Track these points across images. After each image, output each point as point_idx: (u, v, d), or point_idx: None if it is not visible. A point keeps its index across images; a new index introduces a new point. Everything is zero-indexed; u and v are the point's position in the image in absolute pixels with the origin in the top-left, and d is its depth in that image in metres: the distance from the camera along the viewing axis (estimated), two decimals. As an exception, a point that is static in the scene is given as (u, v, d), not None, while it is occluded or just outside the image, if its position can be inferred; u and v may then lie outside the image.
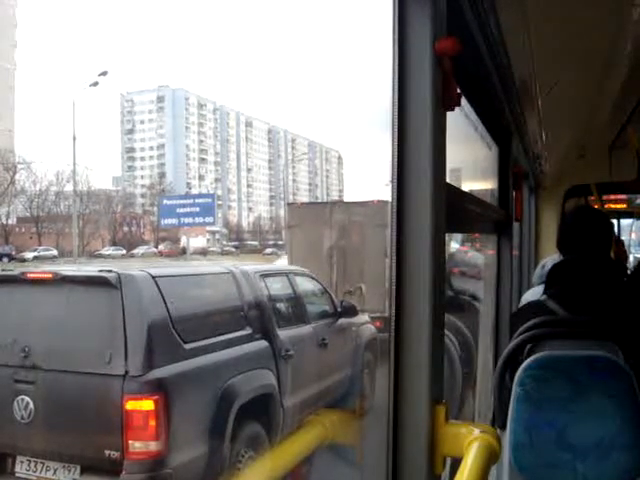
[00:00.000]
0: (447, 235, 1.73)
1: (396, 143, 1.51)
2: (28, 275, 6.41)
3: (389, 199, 1.56)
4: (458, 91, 1.65)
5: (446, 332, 3.90)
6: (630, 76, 3.25)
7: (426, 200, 1.52)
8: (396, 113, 1.51)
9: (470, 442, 1.52)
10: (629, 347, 2.56)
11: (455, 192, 2.07)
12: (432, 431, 1.53)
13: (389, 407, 1.52)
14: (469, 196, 2.68)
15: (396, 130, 1.51)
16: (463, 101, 2.68)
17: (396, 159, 1.51)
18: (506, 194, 3.83)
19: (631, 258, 8.24)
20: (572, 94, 3.44)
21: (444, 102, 1.59)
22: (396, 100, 1.50)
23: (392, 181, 1.52)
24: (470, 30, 2.04)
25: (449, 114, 1.74)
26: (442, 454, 1.56)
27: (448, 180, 2.37)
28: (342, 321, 8.34)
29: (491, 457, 1.53)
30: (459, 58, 1.81)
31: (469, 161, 3.74)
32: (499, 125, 3.50)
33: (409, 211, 1.52)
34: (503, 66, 2.61)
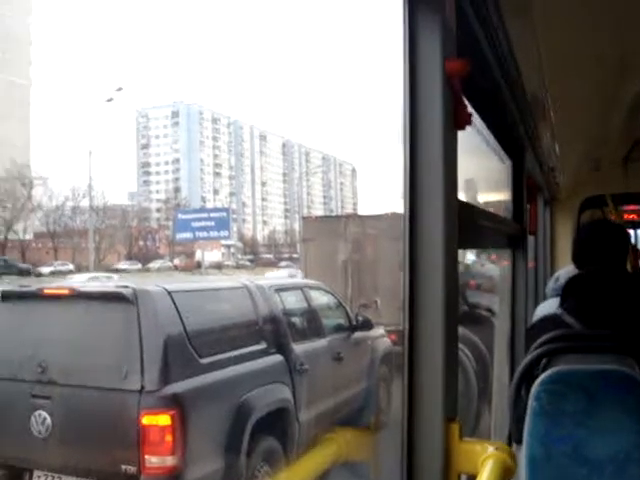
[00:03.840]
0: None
1: (408, 162, 1.52)
2: (45, 291, 6.47)
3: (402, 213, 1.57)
4: (469, 110, 1.66)
5: (461, 346, 3.91)
6: None
7: (438, 217, 1.53)
8: (407, 132, 1.52)
9: (484, 459, 1.52)
10: (646, 360, 2.54)
11: (467, 209, 2.07)
12: (446, 448, 1.53)
13: (403, 424, 1.52)
14: (482, 212, 2.68)
15: (408, 149, 1.53)
16: (475, 116, 2.70)
17: (408, 177, 1.53)
18: (520, 207, 3.83)
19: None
20: (585, 107, 3.44)
21: (455, 122, 1.61)
22: (407, 119, 1.52)
23: (404, 199, 1.53)
24: (480, 46, 2.05)
25: (463, 131, 1.75)
26: (457, 471, 1.56)
27: (462, 194, 2.39)
28: (357, 334, 8.33)
29: (505, 474, 1.53)
30: (470, 74, 1.83)
31: (482, 175, 3.74)
32: (512, 139, 3.50)
33: (421, 228, 1.53)
34: (514, 80, 2.61)
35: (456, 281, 1.66)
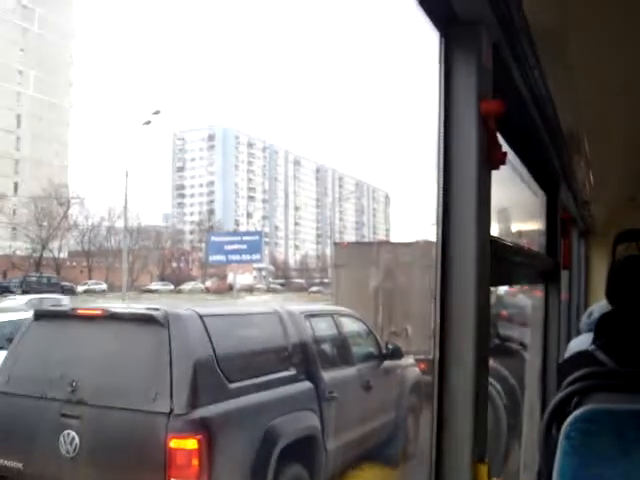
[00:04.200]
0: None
1: (441, 199, 1.53)
2: (79, 311, 6.54)
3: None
4: (503, 150, 1.66)
5: (492, 381, 3.87)
6: None
7: (470, 255, 1.53)
8: (441, 169, 1.53)
9: None
10: (680, 401, 2.49)
11: (501, 246, 2.07)
12: None
13: (431, 464, 1.51)
14: (515, 248, 2.67)
15: (441, 186, 1.53)
16: (509, 151, 2.70)
17: (441, 214, 1.53)
18: (554, 241, 3.80)
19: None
20: (620, 140, 3.42)
21: (489, 161, 1.61)
22: (441, 157, 1.53)
23: (437, 235, 1.53)
24: (516, 85, 2.06)
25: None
26: None
27: (495, 227, 2.38)
28: (387, 363, 8.27)
29: None
30: (506, 114, 1.83)
31: (517, 210, 3.73)
32: (546, 173, 3.49)
33: (453, 265, 1.53)
34: (549, 117, 2.61)
35: (488, 319, 1.65)
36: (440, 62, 1.54)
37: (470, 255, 1.53)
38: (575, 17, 1.81)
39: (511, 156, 2.88)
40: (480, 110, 1.53)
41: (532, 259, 3.18)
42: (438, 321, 1.53)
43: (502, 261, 2.04)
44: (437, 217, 1.54)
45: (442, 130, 1.53)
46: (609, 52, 2.22)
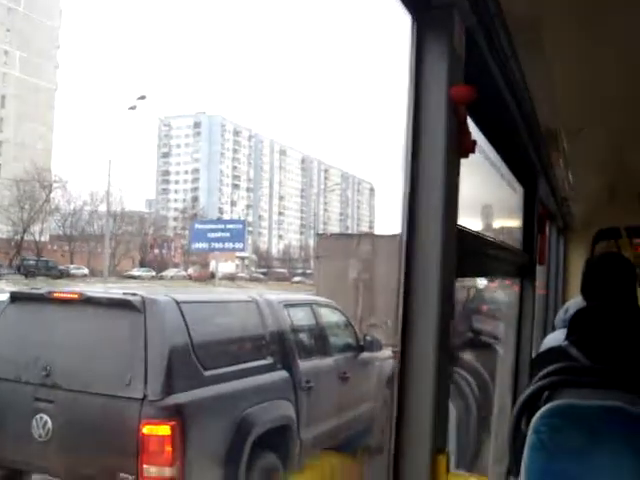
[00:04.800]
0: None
1: (408, 186, 1.51)
2: (55, 294, 6.47)
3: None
4: (474, 138, 1.64)
5: (464, 374, 3.87)
6: None
7: (436, 243, 1.51)
8: (409, 156, 1.51)
9: None
10: (650, 398, 2.50)
11: (470, 237, 2.05)
12: None
13: (389, 453, 1.50)
14: (486, 240, 2.65)
15: (409, 173, 1.51)
16: (487, 144, 2.68)
17: (407, 202, 1.51)
18: (531, 237, 3.79)
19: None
20: (599, 138, 3.41)
21: (458, 149, 1.59)
22: (409, 144, 1.51)
23: (402, 222, 1.51)
24: (492, 76, 2.04)
25: (472, 157, 1.73)
26: None
27: (469, 221, 2.36)
28: (365, 355, 8.27)
29: None
30: (481, 103, 1.81)
31: (492, 203, 3.72)
32: (525, 168, 3.48)
33: (418, 254, 1.51)
34: (527, 110, 2.59)
35: (452, 308, 1.64)
36: (412, 47, 1.51)
37: (435, 244, 1.51)
38: (551, 8, 1.79)
39: (489, 150, 2.87)
40: (450, 96, 1.50)
41: (506, 252, 3.17)
42: (401, 312, 1.51)
43: (470, 252, 2.03)
44: (403, 205, 1.51)
45: (411, 116, 1.51)
46: (586, 46, 2.20)
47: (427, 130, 1.51)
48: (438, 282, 1.51)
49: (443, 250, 1.52)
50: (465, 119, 1.59)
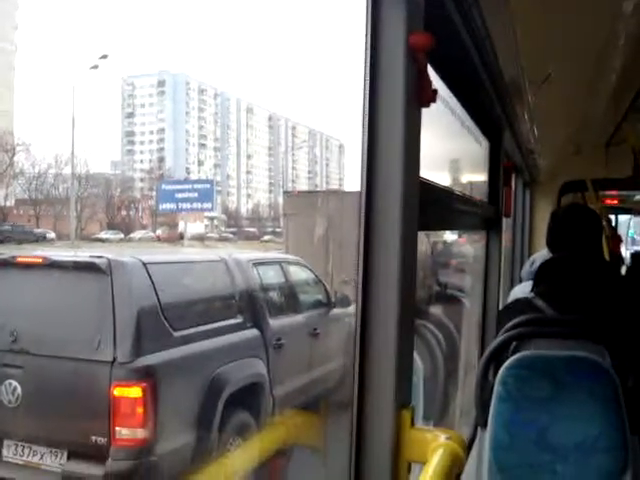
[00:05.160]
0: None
1: (366, 138, 1.47)
2: (18, 259, 6.39)
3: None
4: (434, 87, 1.60)
5: (431, 327, 3.89)
6: (624, 72, 3.20)
7: (396, 197, 1.48)
8: (367, 107, 1.47)
9: (434, 448, 1.49)
10: (616, 348, 2.53)
11: (432, 189, 2.03)
12: (397, 436, 1.50)
13: (353, 409, 1.49)
14: (450, 193, 2.64)
15: (366, 125, 1.47)
16: (451, 97, 2.65)
17: (366, 154, 1.47)
18: (496, 189, 3.79)
19: (627, 254, 8.22)
20: (564, 91, 3.39)
21: (418, 98, 1.55)
22: (367, 94, 1.46)
23: (361, 177, 1.48)
24: (454, 25, 2.00)
25: (435, 110, 1.70)
26: (406, 460, 1.52)
27: (434, 174, 2.34)
28: (336, 311, 8.32)
29: (454, 465, 1.49)
30: (444, 53, 1.77)
31: (457, 157, 3.70)
32: (489, 120, 3.46)
33: (378, 208, 1.49)
34: (490, 61, 2.56)
35: (414, 263, 1.62)
36: (368, -5, 1.46)
37: (396, 197, 1.48)
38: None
39: (454, 104, 2.84)
40: (409, 44, 1.46)
41: (471, 205, 3.17)
42: (362, 265, 1.49)
43: (434, 205, 2.01)
44: (362, 157, 1.48)
45: (368, 64, 1.46)
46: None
47: (384, 78, 1.47)
48: (399, 235, 1.48)
49: (404, 203, 1.49)
50: (425, 67, 1.55)
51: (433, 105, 1.65)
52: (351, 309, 8.60)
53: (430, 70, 1.62)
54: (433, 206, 1.99)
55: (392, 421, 1.48)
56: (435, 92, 1.61)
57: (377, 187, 1.48)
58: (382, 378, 1.48)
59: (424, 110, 1.64)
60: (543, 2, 2.16)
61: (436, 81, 2.01)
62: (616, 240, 6.70)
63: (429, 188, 1.91)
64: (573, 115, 4.17)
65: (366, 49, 1.46)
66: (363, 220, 1.47)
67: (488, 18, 2.11)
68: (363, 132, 1.46)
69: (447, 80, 2.39)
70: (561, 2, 2.18)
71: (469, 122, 3.26)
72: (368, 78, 1.46)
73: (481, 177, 3.88)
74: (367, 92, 1.46)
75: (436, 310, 4.94)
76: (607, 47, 2.77)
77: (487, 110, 3.26)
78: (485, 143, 3.75)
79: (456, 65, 2.36)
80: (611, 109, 4.13)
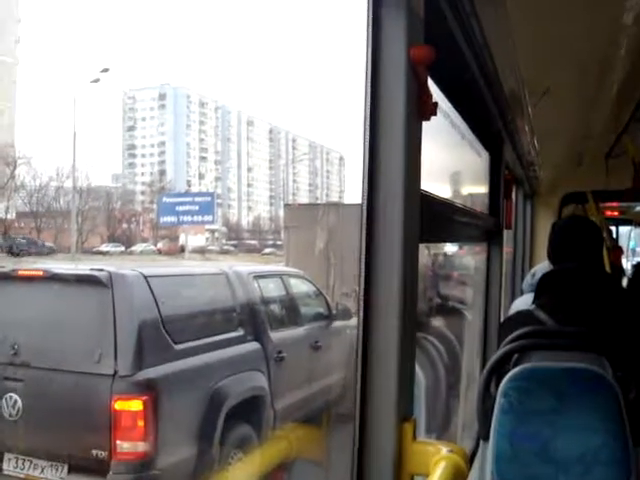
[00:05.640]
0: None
1: (367, 151, 1.47)
2: (19, 272, 6.39)
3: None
4: (434, 100, 1.61)
5: (432, 340, 3.89)
6: (624, 84, 3.21)
7: (398, 210, 1.48)
8: (368, 120, 1.47)
9: (437, 461, 1.48)
10: (617, 360, 2.52)
11: (433, 202, 2.03)
12: (399, 449, 1.49)
13: (354, 422, 1.48)
14: (451, 205, 2.64)
15: (368, 138, 1.48)
16: (452, 111, 2.66)
17: (367, 167, 1.48)
18: (497, 201, 3.79)
19: (628, 265, 8.21)
20: (564, 103, 3.40)
21: (419, 111, 1.56)
22: (368, 107, 1.47)
23: (362, 190, 1.48)
24: (453, 36, 2.00)
25: (435, 122, 1.70)
26: (409, 473, 1.52)
27: (435, 186, 2.34)
28: (336, 324, 8.30)
29: (457, 477, 1.49)
30: (444, 66, 1.77)
31: (458, 169, 3.70)
32: (489, 133, 3.46)
33: (379, 221, 1.49)
34: (490, 73, 2.57)
35: (416, 276, 1.62)
36: (368, 5, 1.47)
37: (397, 210, 1.48)
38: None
39: (455, 117, 2.84)
40: (409, 57, 1.46)
41: (472, 217, 3.17)
42: (363, 279, 1.49)
43: (435, 217, 2.01)
44: (363, 170, 1.48)
45: (369, 78, 1.47)
46: (550, 6, 2.18)
47: (386, 92, 1.47)
48: (401, 248, 1.48)
49: (405, 216, 1.49)
50: (426, 81, 1.55)
51: (434, 118, 1.66)
52: (352, 322, 8.59)
53: (430, 83, 1.63)
54: (434, 218, 1.99)
55: (394, 434, 1.48)
56: (436, 105, 1.61)
57: (378, 199, 1.48)
58: (384, 391, 1.48)
59: (425, 123, 1.64)
60: (543, 14, 2.17)
61: (436, 94, 2.02)
62: (617, 251, 6.69)
63: (430, 200, 1.91)
64: (573, 127, 4.18)
65: (367, 62, 1.46)
66: (364, 233, 1.47)
67: (488, 31, 2.12)
68: (364, 145, 1.46)
69: (447, 92, 2.39)
70: (561, 14, 2.19)
71: (469, 134, 3.27)
72: (369, 91, 1.47)
73: (482, 189, 3.88)
74: (368, 105, 1.47)
75: (437, 322, 4.93)
76: (607, 58, 2.78)
77: (487, 122, 3.27)
78: (486, 155, 3.75)
79: (456, 78, 2.37)
80: (611, 121, 4.13)
